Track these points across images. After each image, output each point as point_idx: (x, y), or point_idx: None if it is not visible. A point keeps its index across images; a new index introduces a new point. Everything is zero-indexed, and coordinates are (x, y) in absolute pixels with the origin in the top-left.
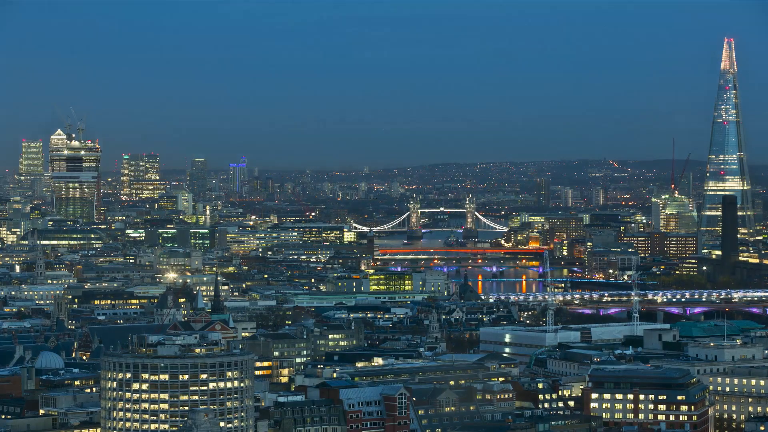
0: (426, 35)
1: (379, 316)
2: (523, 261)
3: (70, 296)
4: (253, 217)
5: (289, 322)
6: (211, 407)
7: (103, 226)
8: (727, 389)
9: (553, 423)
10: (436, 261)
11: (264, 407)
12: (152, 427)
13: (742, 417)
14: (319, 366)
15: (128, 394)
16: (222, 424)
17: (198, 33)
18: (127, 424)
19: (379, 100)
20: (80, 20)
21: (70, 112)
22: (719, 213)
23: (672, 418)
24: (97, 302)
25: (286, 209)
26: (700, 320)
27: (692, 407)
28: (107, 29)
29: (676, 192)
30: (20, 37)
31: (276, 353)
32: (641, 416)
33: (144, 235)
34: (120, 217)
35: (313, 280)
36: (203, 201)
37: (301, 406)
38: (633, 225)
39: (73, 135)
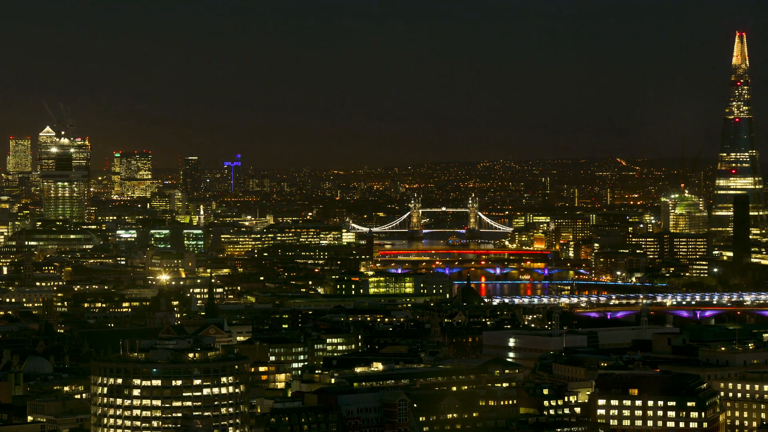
0: (427, 31)
1: (378, 320)
2: (528, 263)
3: (60, 298)
4: (249, 217)
5: (286, 326)
6: (205, 414)
7: (93, 227)
8: (739, 395)
9: (558, 430)
10: (437, 263)
11: (260, 414)
12: None
13: (755, 424)
14: (316, 371)
15: (119, 401)
16: (216, 431)
17: (192, 29)
18: (119, 431)
19: (379, 97)
20: (70, 15)
21: (60, 109)
22: (730, 213)
23: (682, 424)
24: (87, 305)
25: (282, 209)
26: (710, 324)
27: (702, 413)
28: (99, 25)
29: (686, 191)
30: (9, 32)
31: (272, 358)
32: (650, 423)
33: (136, 235)
34: (111, 218)
35: (310, 282)
36: (197, 201)
37: (298, 412)
38: (641, 225)
39: (63, 132)
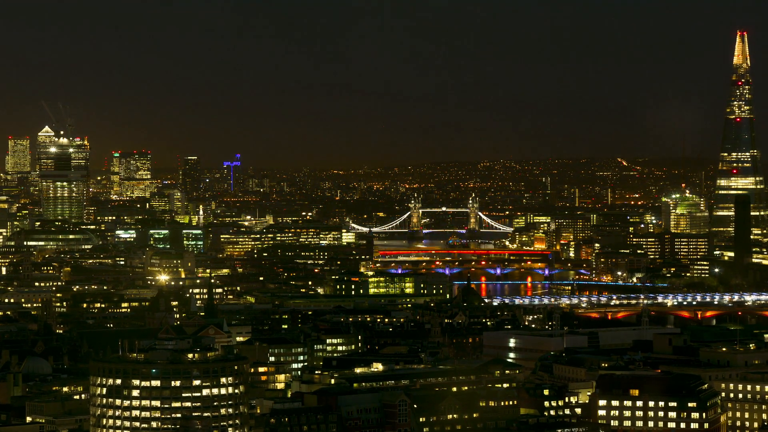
0: (427, 33)
1: (378, 320)
2: (529, 263)
3: (59, 299)
4: (248, 217)
5: (286, 326)
6: (205, 414)
7: (92, 227)
8: (740, 395)
9: (559, 430)
10: (437, 263)
11: (259, 414)
12: None
13: (756, 424)
14: (316, 372)
15: (118, 401)
16: None
17: (192, 30)
18: None
19: (379, 96)
20: (69, 15)
21: (58, 109)
22: (731, 213)
23: (683, 425)
24: (86, 305)
25: (282, 209)
26: (711, 324)
27: (703, 414)
28: (98, 25)
29: (687, 191)
30: (6, 31)
31: (272, 358)
32: (651, 423)
33: (135, 235)
34: (110, 218)
35: (310, 283)
36: (196, 201)
37: (297, 413)
38: (642, 225)
39: (62, 132)
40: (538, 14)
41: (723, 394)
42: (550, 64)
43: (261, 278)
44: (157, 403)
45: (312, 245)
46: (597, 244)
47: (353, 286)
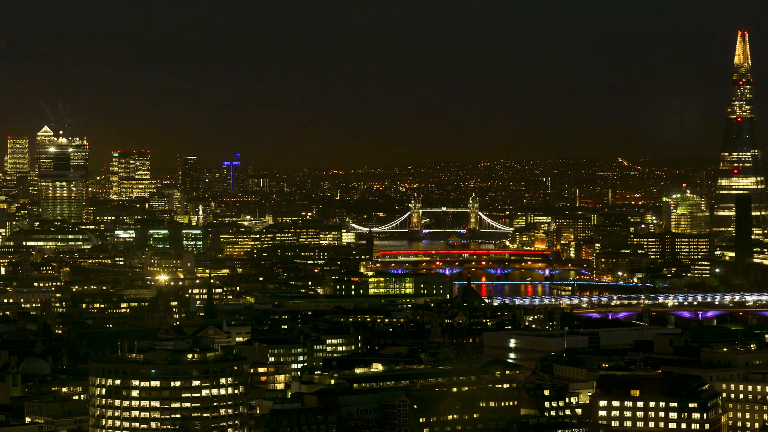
0: (426, 34)
1: (378, 320)
2: (529, 263)
3: (58, 299)
4: (248, 217)
5: (286, 327)
6: (204, 415)
7: (91, 227)
8: (741, 396)
9: (559, 431)
10: (438, 263)
11: (259, 415)
12: None
13: (756, 425)
14: (316, 372)
15: (118, 402)
16: None
17: (189, 28)
18: None
19: (378, 96)
20: (67, 14)
21: (58, 109)
22: (732, 213)
23: (683, 426)
24: (85, 306)
25: (282, 209)
26: (712, 324)
27: (704, 414)
28: (96, 23)
29: (688, 191)
30: (5, 30)
31: (272, 359)
32: (651, 424)
33: (134, 235)
34: (109, 218)
35: (310, 283)
36: (196, 200)
37: (297, 413)
38: (643, 225)
39: (61, 132)
40: (538, 14)
41: (724, 395)
42: (550, 65)
43: (261, 278)
44: (156, 404)
45: (312, 245)
46: (597, 244)
47: (353, 287)
